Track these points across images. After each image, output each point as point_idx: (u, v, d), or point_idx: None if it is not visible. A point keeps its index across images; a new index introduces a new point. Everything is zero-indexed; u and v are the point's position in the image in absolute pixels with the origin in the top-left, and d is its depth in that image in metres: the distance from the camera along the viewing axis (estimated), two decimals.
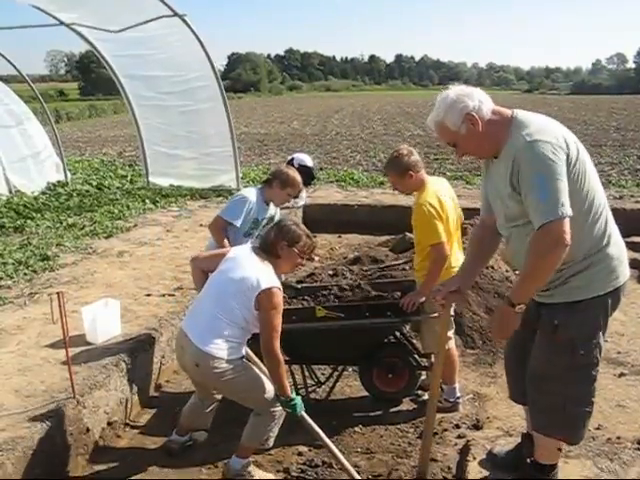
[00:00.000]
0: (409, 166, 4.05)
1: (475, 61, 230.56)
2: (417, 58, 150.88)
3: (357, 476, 3.50)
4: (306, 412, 3.67)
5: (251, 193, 4.50)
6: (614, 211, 9.03)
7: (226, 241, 4.42)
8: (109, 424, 4.11)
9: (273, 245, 3.47)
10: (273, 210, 4.73)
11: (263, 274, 3.34)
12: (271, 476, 3.66)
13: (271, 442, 3.56)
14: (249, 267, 3.38)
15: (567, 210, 2.52)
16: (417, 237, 4.18)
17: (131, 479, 3.69)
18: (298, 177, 4.57)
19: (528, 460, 3.05)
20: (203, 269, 3.71)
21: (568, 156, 2.60)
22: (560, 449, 2.95)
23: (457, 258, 4.10)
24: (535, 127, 2.67)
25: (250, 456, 3.60)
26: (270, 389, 3.45)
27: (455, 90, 2.83)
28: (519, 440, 3.30)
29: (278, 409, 3.47)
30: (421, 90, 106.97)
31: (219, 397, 3.86)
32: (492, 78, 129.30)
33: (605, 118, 30.20)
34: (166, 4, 8.74)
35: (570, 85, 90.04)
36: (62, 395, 3.86)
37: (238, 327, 3.37)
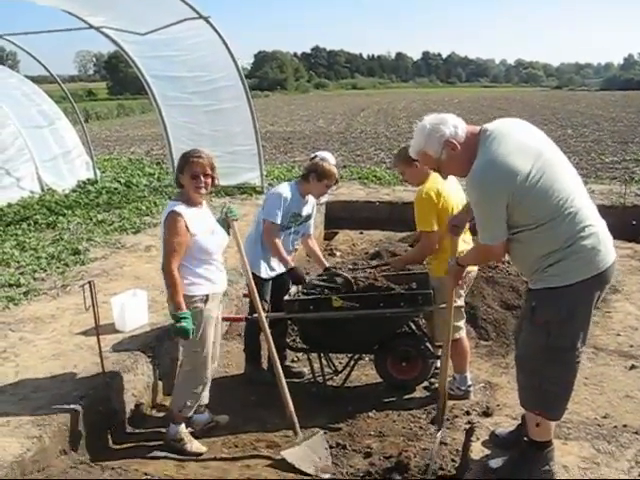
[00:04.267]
0: None
1: (503, 57, 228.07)
2: (444, 55, 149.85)
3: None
4: (324, 398, 4.18)
5: (285, 189, 4.66)
6: (634, 208, 8.96)
7: (278, 241, 4.66)
8: (136, 406, 4.35)
9: (177, 179, 3.85)
10: (311, 203, 4.93)
11: (167, 208, 3.79)
12: (204, 449, 3.97)
13: (187, 411, 3.95)
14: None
15: (497, 238, 2.98)
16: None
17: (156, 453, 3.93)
18: (334, 168, 4.77)
19: (525, 438, 3.24)
20: None
21: (518, 180, 2.83)
22: (539, 424, 3.12)
23: (461, 249, 4.25)
24: (488, 155, 2.90)
25: (182, 421, 3.97)
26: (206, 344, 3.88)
27: (430, 119, 3.09)
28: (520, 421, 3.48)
29: (195, 363, 3.90)
30: (448, 87, 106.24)
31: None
32: (520, 75, 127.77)
33: (635, 114, 29.79)
34: (191, 6, 8.94)
35: (601, 81, 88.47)
36: (93, 378, 4.13)
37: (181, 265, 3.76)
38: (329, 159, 7.36)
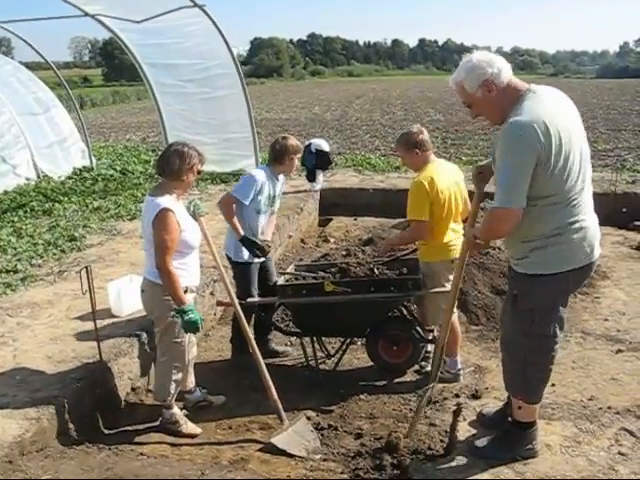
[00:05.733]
0: (416, 144, 4.35)
1: (499, 45, 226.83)
2: (440, 42, 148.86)
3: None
4: (317, 382, 4.31)
5: (259, 173, 4.73)
6: (625, 195, 9.02)
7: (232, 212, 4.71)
8: (133, 389, 4.45)
9: (179, 172, 3.77)
10: (281, 181, 5.02)
11: (152, 204, 3.72)
12: (199, 430, 4.07)
13: (169, 398, 4.01)
14: (146, 205, 3.82)
15: (516, 201, 2.82)
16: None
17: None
18: (297, 141, 4.90)
19: (509, 418, 3.34)
20: None
21: (553, 148, 2.77)
22: (521, 407, 3.22)
23: (450, 238, 4.36)
24: (531, 113, 2.82)
25: (173, 407, 4.06)
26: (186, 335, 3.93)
27: (477, 55, 3.01)
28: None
29: (174, 352, 3.96)
30: (444, 75, 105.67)
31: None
32: (516, 62, 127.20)
33: (629, 102, 29.78)
34: None
35: (596, 69, 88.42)
36: (90, 361, 4.21)
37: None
38: (323, 146, 7.42)
